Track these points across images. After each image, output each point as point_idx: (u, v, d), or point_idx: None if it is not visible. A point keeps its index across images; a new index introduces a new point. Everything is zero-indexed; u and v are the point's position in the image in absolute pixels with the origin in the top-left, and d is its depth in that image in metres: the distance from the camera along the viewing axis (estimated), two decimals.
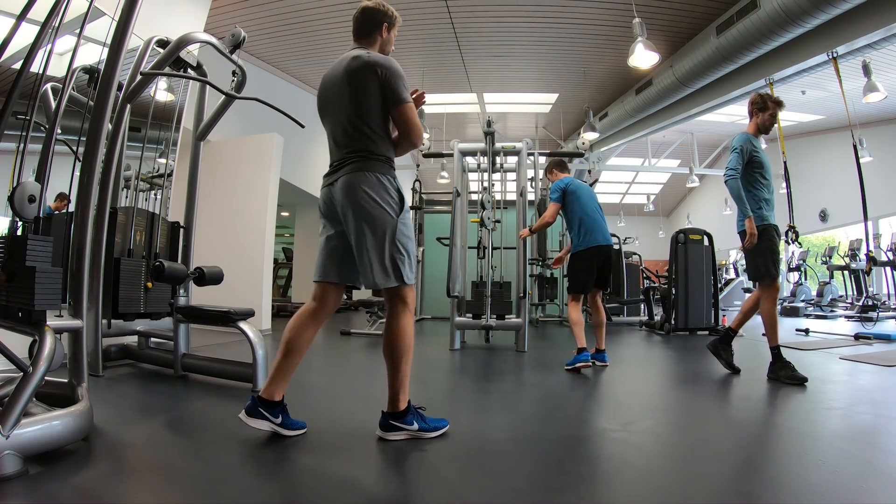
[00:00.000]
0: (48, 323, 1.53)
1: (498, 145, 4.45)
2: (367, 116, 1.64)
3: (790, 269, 9.28)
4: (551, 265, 3.95)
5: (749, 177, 2.85)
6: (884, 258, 7.34)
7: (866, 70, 6.30)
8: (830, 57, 5.57)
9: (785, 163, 6.19)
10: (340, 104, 1.66)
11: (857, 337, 4.68)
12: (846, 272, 8.52)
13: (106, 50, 1.90)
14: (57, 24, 1.76)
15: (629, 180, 16.95)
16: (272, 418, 1.63)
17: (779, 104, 2.91)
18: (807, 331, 5.37)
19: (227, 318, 2.44)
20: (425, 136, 7.54)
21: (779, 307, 2.84)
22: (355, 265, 1.67)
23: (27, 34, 1.72)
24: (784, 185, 6.25)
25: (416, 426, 1.66)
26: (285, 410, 1.67)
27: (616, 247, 7.17)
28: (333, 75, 1.71)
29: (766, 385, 2.65)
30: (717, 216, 15.38)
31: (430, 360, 3.66)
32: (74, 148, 2.29)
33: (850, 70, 6.51)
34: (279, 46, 6.94)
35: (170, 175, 3.74)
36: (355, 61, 1.64)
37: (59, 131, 1.96)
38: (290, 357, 1.66)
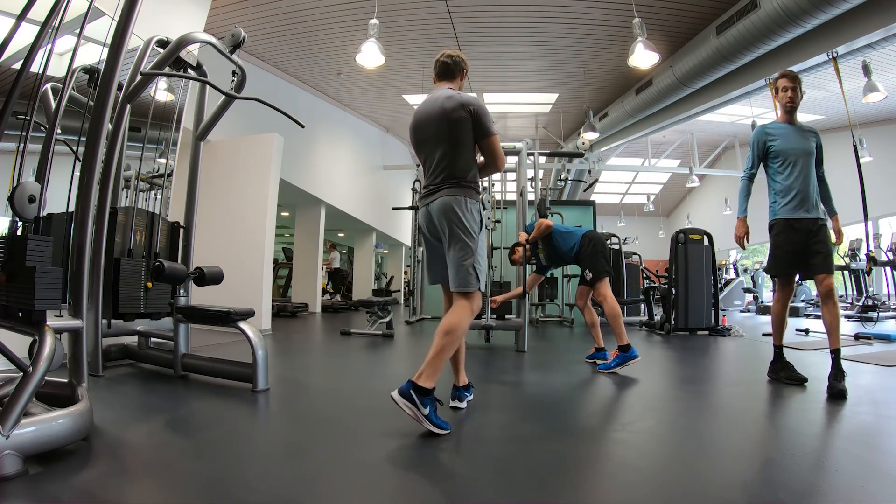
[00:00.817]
0: (48, 323, 1.53)
1: None
2: (461, 147, 1.94)
3: None
4: (492, 304, 4.03)
5: (767, 169, 2.80)
6: (884, 258, 7.34)
7: (866, 70, 6.31)
8: (830, 57, 5.57)
9: None
10: (437, 136, 1.94)
11: (858, 337, 4.68)
12: (846, 272, 8.51)
13: (106, 50, 1.90)
14: (57, 24, 1.76)
15: (629, 180, 16.90)
16: (466, 397, 2.16)
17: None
18: (807, 331, 5.36)
19: (227, 318, 2.45)
20: None
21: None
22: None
23: (27, 34, 1.72)
24: None
25: (427, 410, 1.71)
26: (468, 389, 2.20)
27: (616, 247, 7.19)
28: (429, 111, 1.99)
29: (766, 385, 2.66)
30: (717, 216, 15.38)
31: None
32: (74, 148, 2.29)
33: (850, 70, 6.52)
34: (279, 46, 6.95)
35: (170, 175, 3.74)
36: (450, 101, 1.93)
37: (59, 131, 1.96)
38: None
